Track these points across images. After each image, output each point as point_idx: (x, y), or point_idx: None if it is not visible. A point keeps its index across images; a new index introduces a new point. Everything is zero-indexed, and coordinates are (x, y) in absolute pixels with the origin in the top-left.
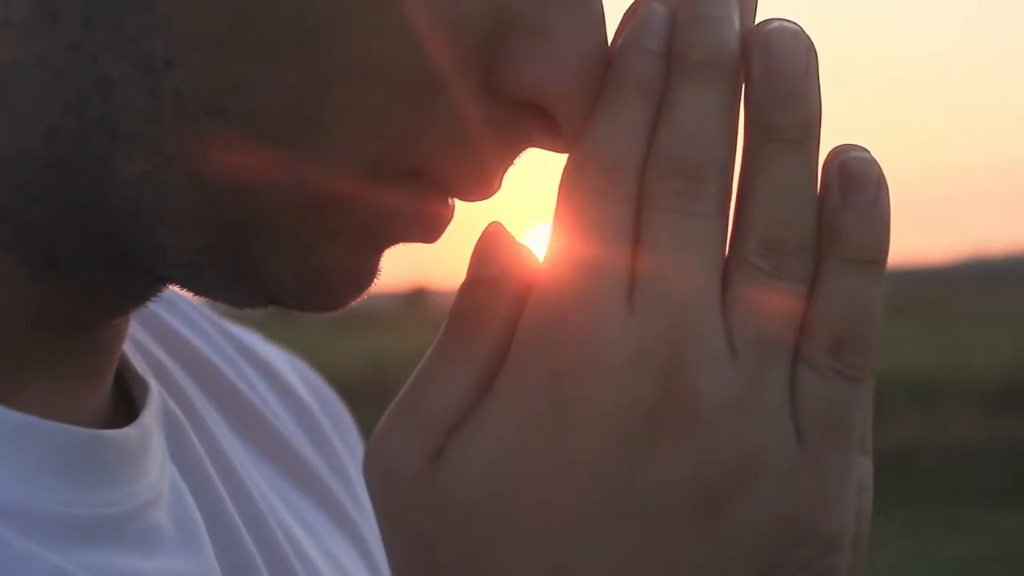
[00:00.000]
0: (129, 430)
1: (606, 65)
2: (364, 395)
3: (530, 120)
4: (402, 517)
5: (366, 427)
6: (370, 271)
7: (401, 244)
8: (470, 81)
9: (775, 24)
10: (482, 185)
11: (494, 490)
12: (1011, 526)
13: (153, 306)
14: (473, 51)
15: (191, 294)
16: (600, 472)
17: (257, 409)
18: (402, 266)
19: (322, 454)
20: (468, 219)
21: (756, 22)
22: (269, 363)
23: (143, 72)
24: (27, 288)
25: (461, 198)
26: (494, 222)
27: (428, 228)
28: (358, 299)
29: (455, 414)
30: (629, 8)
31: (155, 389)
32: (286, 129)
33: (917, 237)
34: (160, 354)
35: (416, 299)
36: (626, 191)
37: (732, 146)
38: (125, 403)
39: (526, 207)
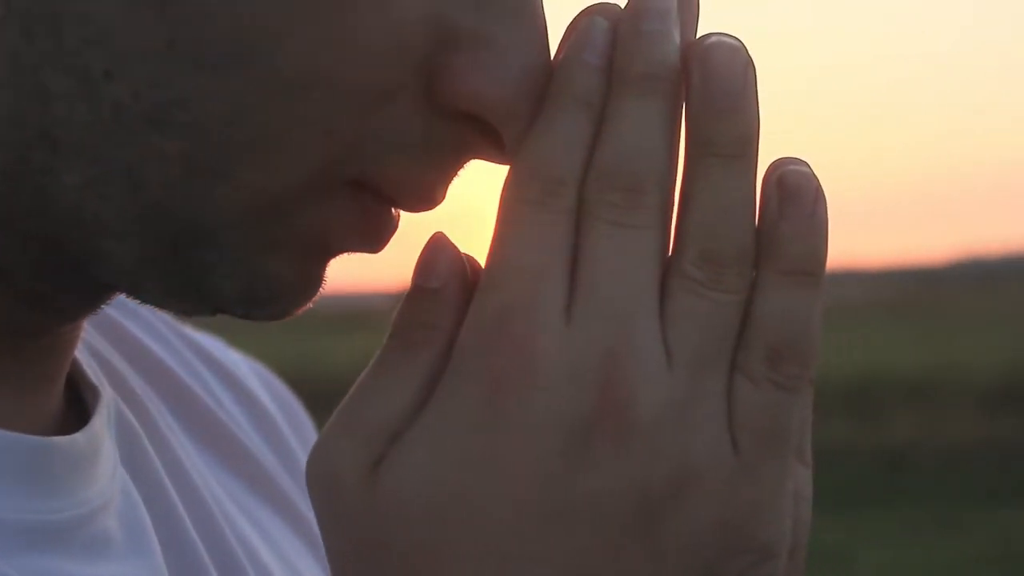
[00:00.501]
0: (78, 436)
1: (548, 78)
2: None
3: (471, 132)
4: (343, 526)
5: None
6: (315, 280)
7: (345, 254)
8: (411, 93)
9: (713, 39)
10: (425, 196)
11: (432, 499)
12: (1008, 526)
13: (112, 312)
14: (414, 63)
15: (137, 302)
16: (537, 481)
17: (215, 415)
18: (393, 266)
19: (282, 461)
20: (460, 218)
21: (696, 37)
22: (230, 369)
23: (82, 84)
24: None
25: (404, 209)
26: (438, 232)
27: (371, 238)
28: (303, 308)
29: (396, 423)
30: (571, 22)
31: (106, 395)
32: (228, 141)
33: (913, 237)
34: (116, 360)
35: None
36: (565, 203)
37: (672, 159)
38: (77, 409)
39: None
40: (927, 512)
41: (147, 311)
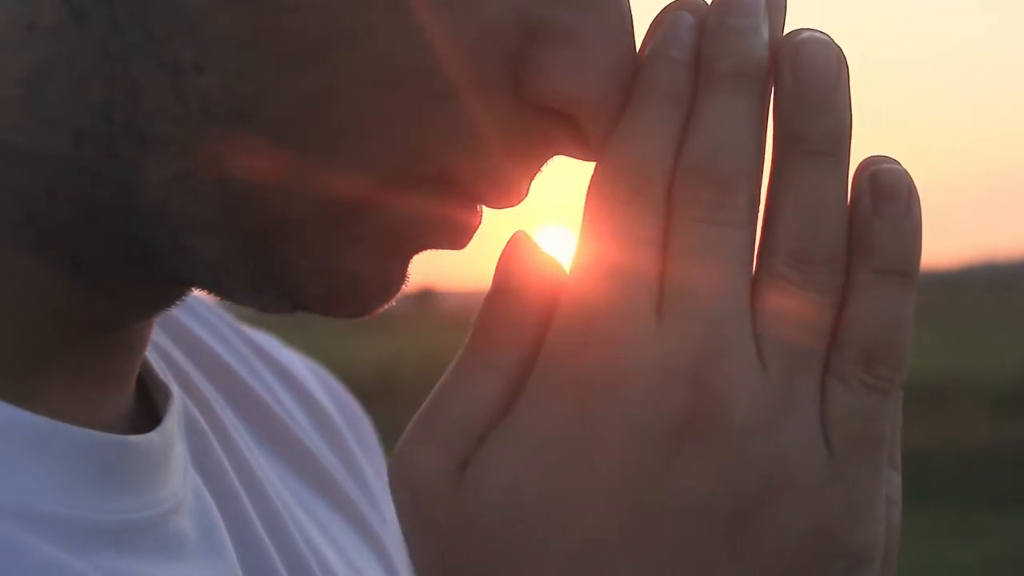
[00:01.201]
0: (153, 435)
1: (634, 73)
2: (372, 395)
3: (556, 128)
4: (429, 529)
5: (375, 428)
6: (397, 277)
7: (428, 250)
8: (496, 88)
9: (806, 34)
10: (508, 192)
11: (521, 502)
12: (1020, 530)
13: (174, 311)
14: (499, 58)
15: (216, 298)
16: (627, 486)
17: (277, 415)
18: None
19: (341, 460)
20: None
21: (785, 32)
22: (288, 368)
23: (171, 76)
24: (51, 291)
25: (487, 205)
26: (519, 231)
27: (455, 235)
28: (384, 306)
29: (481, 425)
30: (656, 17)
31: (177, 394)
32: (310, 135)
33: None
34: (181, 359)
35: (423, 300)
36: (654, 200)
37: (760, 156)
38: (146, 408)
39: (545, 211)
40: (939, 516)
41: (207, 309)
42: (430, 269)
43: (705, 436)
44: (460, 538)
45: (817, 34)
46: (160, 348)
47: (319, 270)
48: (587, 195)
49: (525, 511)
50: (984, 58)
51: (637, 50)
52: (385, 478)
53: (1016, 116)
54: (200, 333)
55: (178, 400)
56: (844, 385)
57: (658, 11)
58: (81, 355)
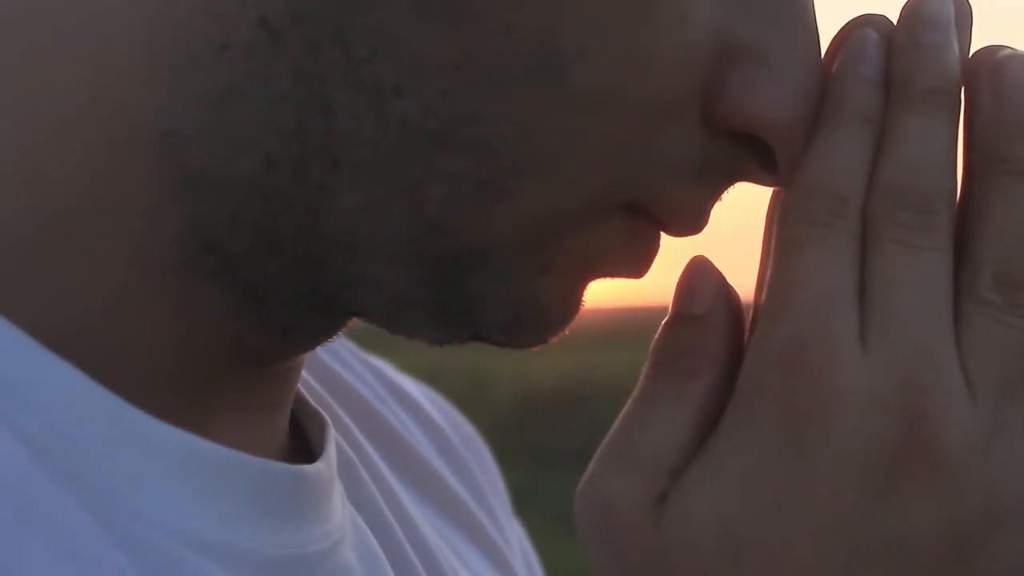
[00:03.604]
0: (320, 465)
1: (821, 94)
2: None
3: (744, 153)
4: (625, 561)
5: None
6: (575, 304)
7: (607, 277)
8: (691, 112)
9: (1006, 52)
10: (694, 220)
11: (727, 535)
12: None
13: None
14: (698, 79)
15: (390, 331)
16: (841, 519)
17: (408, 443)
18: None
19: (467, 487)
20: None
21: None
22: (410, 396)
23: (370, 98)
24: (225, 320)
25: (670, 233)
26: (698, 255)
27: (637, 263)
28: (561, 333)
29: (675, 455)
30: (838, 34)
31: (331, 424)
32: (514, 160)
33: None
34: (322, 392)
35: None
36: (851, 224)
37: (955, 177)
38: (298, 439)
39: None
40: None
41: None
42: None
43: (920, 469)
44: (660, 572)
45: (1016, 52)
46: (305, 381)
47: (505, 300)
48: (780, 219)
49: (734, 545)
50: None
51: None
52: (506, 505)
53: None
54: (334, 365)
55: (332, 430)
56: None
57: (839, 28)
58: (245, 385)
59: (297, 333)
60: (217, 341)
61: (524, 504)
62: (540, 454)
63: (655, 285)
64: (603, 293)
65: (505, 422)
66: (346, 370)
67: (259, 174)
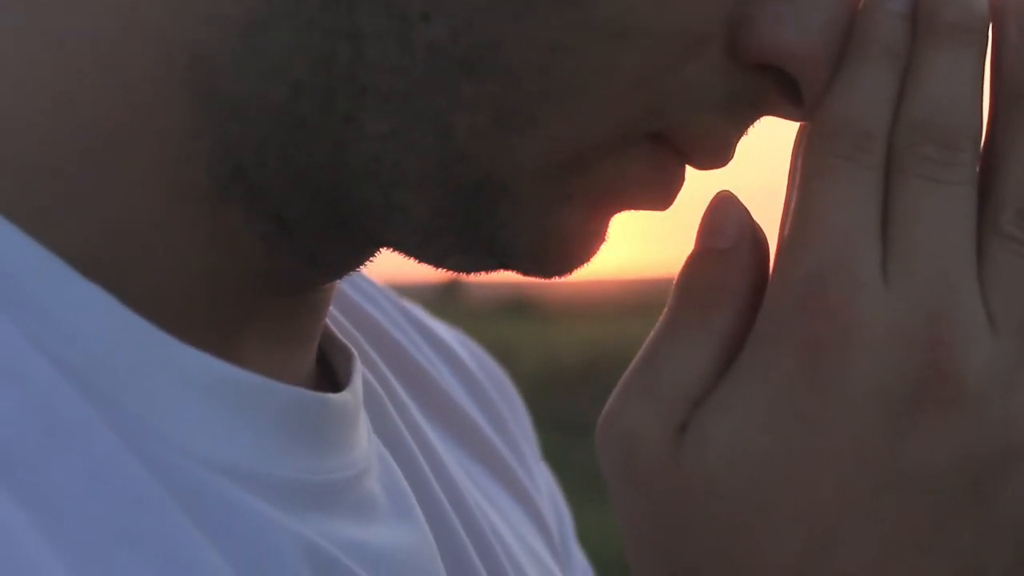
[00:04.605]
0: (347, 395)
1: (849, 28)
2: None
3: (770, 87)
4: (644, 492)
5: None
6: (599, 235)
7: (632, 209)
8: (717, 45)
9: None
10: (719, 153)
11: (746, 466)
12: None
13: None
14: (723, 12)
15: (416, 260)
16: (861, 449)
17: (438, 384)
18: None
19: (496, 429)
20: None
21: None
22: (442, 339)
23: (398, 25)
24: (256, 248)
25: (696, 166)
26: (723, 190)
27: (663, 195)
28: (585, 264)
29: (697, 387)
30: None
31: (358, 357)
32: (541, 88)
33: None
34: (349, 327)
35: (451, 290)
36: (875, 158)
37: (981, 112)
38: (325, 371)
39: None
40: None
41: (364, 280)
42: None
43: (940, 402)
44: (681, 501)
45: None
46: (332, 315)
47: (529, 227)
48: (805, 152)
49: (751, 473)
50: None
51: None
52: (534, 447)
53: None
54: (364, 304)
55: (359, 362)
56: None
57: None
58: (274, 314)
59: (325, 261)
60: (247, 269)
61: (552, 470)
62: (566, 423)
63: (682, 258)
64: (629, 264)
65: (532, 391)
66: (377, 311)
67: (287, 101)
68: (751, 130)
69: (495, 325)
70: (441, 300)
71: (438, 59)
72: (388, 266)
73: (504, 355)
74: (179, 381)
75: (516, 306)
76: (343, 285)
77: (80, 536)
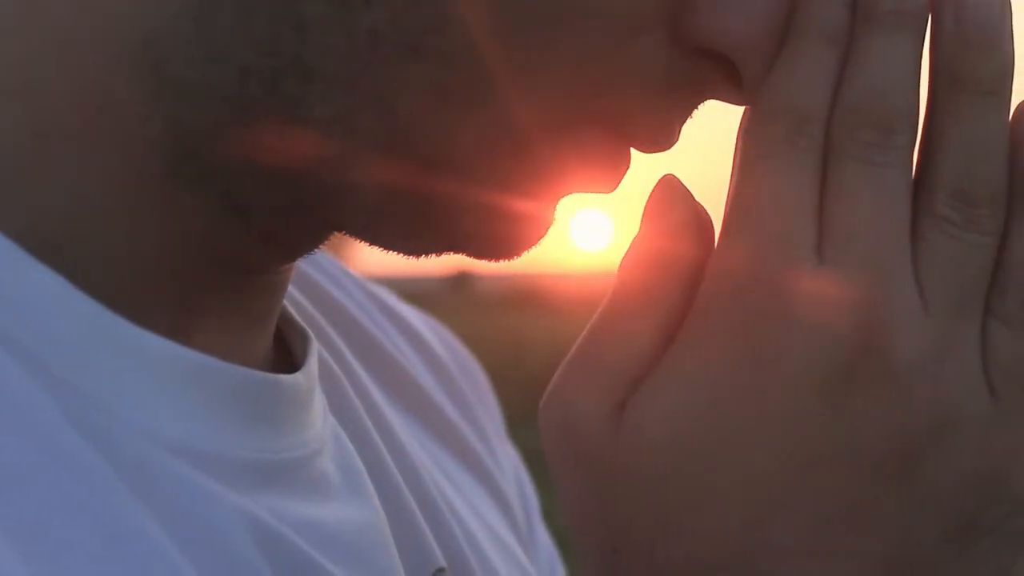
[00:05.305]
0: (299, 376)
1: (789, 13)
2: None
3: (712, 71)
4: (584, 470)
5: None
6: (547, 219)
7: (578, 192)
8: (658, 29)
9: None
10: (662, 136)
11: (684, 442)
12: None
13: (301, 265)
14: None
15: (366, 243)
16: (795, 427)
17: (401, 366)
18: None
19: (460, 410)
20: None
21: None
22: (408, 322)
23: (339, 11)
24: (209, 231)
25: (640, 149)
26: (668, 174)
27: (608, 177)
28: (533, 247)
29: (637, 366)
30: None
31: (314, 339)
32: (482, 72)
33: None
34: (310, 308)
35: (460, 283)
36: (813, 140)
37: (918, 96)
38: (282, 352)
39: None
40: None
41: (330, 263)
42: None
43: (871, 379)
44: (620, 477)
45: None
46: (291, 297)
47: (476, 209)
48: (744, 136)
49: (688, 450)
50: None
51: None
52: (500, 429)
53: None
54: (326, 285)
55: (315, 344)
56: (1007, 328)
57: None
58: (229, 296)
59: (278, 243)
60: (200, 251)
61: None
62: None
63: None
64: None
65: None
66: (342, 293)
67: (235, 85)
68: (697, 114)
69: (504, 316)
70: (450, 292)
71: (380, 44)
72: (397, 260)
73: (513, 346)
74: (130, 361)
75: (525, 298)
76: (307, 267)
77: (21, 508)
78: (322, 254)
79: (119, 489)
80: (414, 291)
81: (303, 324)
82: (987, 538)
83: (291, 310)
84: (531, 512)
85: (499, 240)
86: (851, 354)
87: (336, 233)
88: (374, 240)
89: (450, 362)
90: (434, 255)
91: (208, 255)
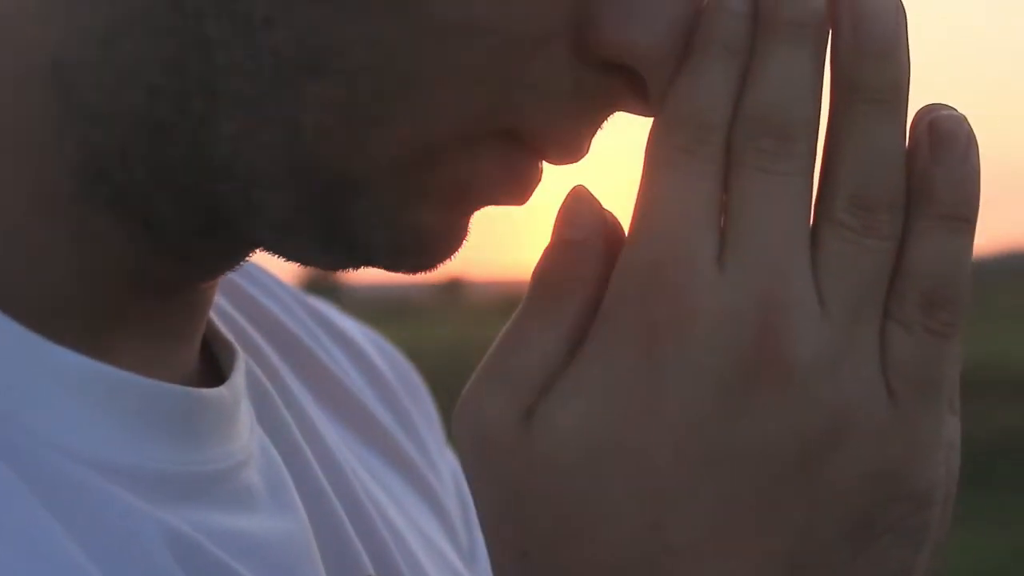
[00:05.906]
0: (222, 390)
1: (693, 26)
2: None
3: (617, 83)
4: (494, 476)
5: None
6: (459, 232)
7: (490, 206)
8: (562, 42)
9: None
10: (572, 148)
11: (588, 447)
12: None
13: (235, 277)
14: (565, 11)
15: (282, 259)
16: (695, 428)
17: (336, 377)
18: None
19: (398, 420)
20: (505, 212)
21: None
22: (346, 333)
23: (243, 31)
24: (124, 249)
25: (551, 161)
26: (578, 185)
27: (517, 190)
28: (447, 260)
29: (546, 373)
30: None
31: (241, 353)
32: (383, 87)
33: None
34: (242, 322)
35: (452, 289)
36: (714, 150)
37: (819, 106)
38: (210, 366)
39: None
40: (966, 504)
41: (265, 275)
42: (458, 258)
43: (770, 382)
44: (528, 484)
45: None
46: (222, 311)
47: (386, 224)
48: (647, 146)
49: (593, 454)
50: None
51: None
52: (440, 439)
53: None
54: (260, 298)
55: (242, 358)
56: (905, 330)
57: None
58: (149, 313)
59: (195, 262)
60: (116, 269)
61: None
62: None
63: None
64: None
65: None
66: (275, 303)
67: (144, 105)
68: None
69: (497, 323)
70: (442, 299)
71: (283, 63)
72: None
73: None
74: (41, 376)
75: (517, 305)
76: (240, 279)
77: None
78: (255, 266)
79: (32, 504)
80: (406, 297)
81: (230, 337)
82: (886, 536)
83: (219, 323)
84: (471, 520)
85: (412, 253)
86: (750, 359)
87: (253, 250)
88: (288, 255)
89: (388, 372)
90: (350, 269)
91: (126, 274)
